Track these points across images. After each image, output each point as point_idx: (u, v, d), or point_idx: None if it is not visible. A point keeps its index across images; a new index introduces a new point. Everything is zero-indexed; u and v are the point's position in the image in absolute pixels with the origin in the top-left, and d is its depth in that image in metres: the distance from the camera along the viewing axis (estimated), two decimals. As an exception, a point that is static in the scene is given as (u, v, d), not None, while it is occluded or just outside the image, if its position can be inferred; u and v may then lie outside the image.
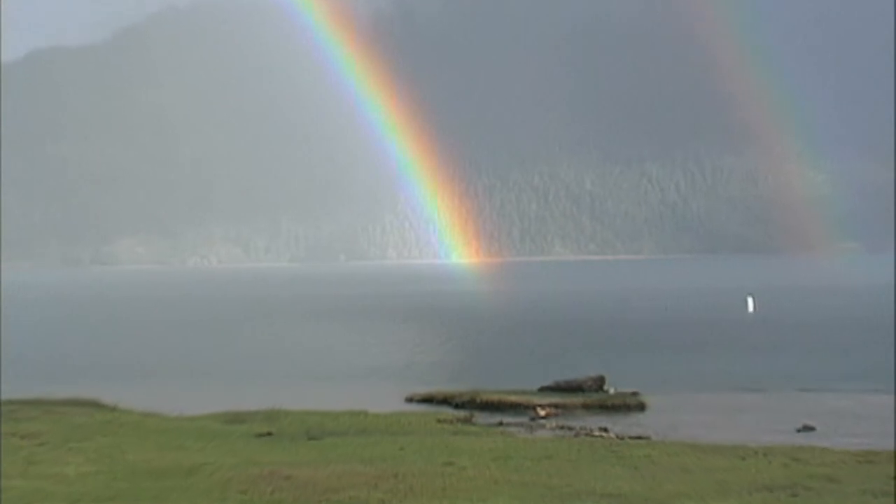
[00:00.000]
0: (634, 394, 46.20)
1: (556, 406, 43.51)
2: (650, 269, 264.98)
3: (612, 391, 46.86)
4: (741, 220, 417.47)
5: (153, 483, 23.58)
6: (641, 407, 44.04)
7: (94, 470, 25.41)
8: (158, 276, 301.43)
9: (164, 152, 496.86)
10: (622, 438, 34.43)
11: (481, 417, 41.28)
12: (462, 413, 41.78)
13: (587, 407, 43.91)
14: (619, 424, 39.36)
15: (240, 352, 73.76)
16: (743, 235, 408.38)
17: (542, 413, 42.43)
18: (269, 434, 33.21)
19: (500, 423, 39.52)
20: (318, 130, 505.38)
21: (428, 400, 46.17)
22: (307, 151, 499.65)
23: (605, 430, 37.66)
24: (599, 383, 48.01)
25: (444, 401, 45.45)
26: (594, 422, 40.34)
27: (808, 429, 37.55)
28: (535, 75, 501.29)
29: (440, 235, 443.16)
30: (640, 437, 34.75)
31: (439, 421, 38.31)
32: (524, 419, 41.13)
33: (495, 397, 44.89)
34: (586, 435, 36.15)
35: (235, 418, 37.66)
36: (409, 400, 46.71)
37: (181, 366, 64.98)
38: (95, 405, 39.72)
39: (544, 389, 47.24)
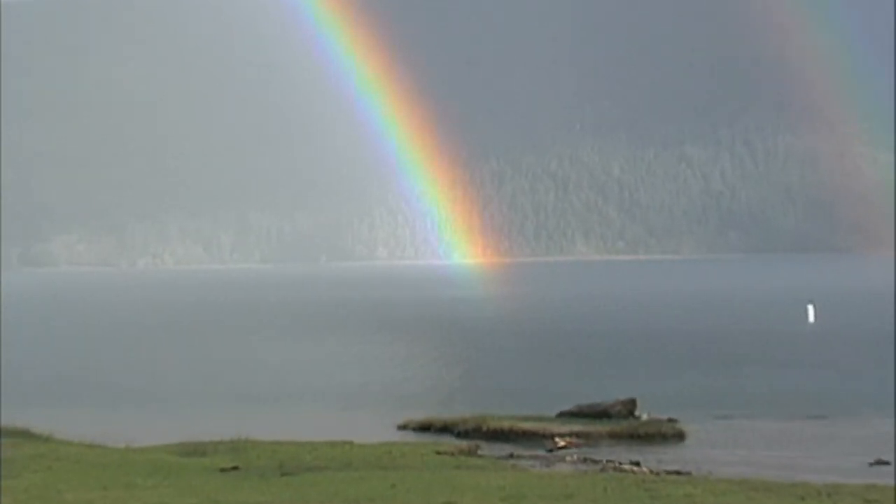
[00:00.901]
0: (671, 420, 46.48)
1: (577, 435, 43.79)
2: (691, 271, 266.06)
3: (644, 417, 47.01)
4: (800, 213, 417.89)
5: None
6: (680, 436, 44.32)
7: (24, 513, 25.21)
8: (102, 279, 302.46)
9: (112, 135, 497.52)
10: (657, 474, 34.67)
11: (489, 448, 41.79)
12: (466, 443, 42.23)
13: (615, 436, 44.14)
14: (654, 457, 39.62)
15: (198, 370, 74.28)
16: (802, 231, 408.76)
17: (562, 443, 42.68)
18: (235, 469, 33.37)
19: (511, 456, 39.98)
20: (294, 110, 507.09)
21: (425, 428, 46.72)
22: (281, 133, 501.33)
23: (637, 463, 37.81)
24: (630, 408, 48.10)
25: (444, 428, 45.98)
26: (623, 454, 40.61)
27: (881, 463, 37.65)
28: (553, 42, 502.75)
29: (439, 231, 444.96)
30: (678, 473, 35.05)
31: (438, 453, 38.74)
32: (539, 451, 41.50)
33: (505, 424, 45.25)
34: (614, 469, 36.29)
35: (194, 450, 37.82)
36: (403, 427, 47.30)
37: (128, 386, 65.21)
38: (25, 435, 39.79)
39: (564, 415, 47.52)
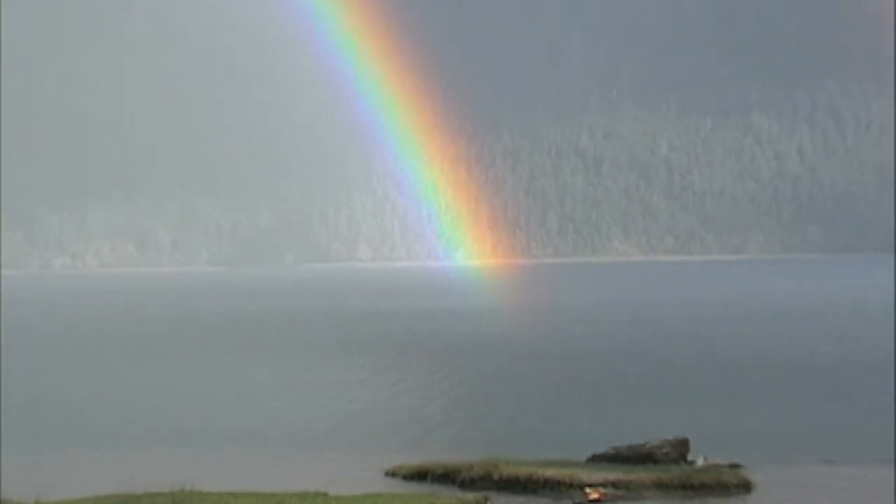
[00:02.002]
0: (734, 466, 46.76)
1: (614, 484, 43.76)
2: (758, 275, 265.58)
3: (700, 462, 47.20)
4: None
5: None
6: (746, 486, 44.48)
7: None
8: (7, 284, 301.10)
9: (23, 110, 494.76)
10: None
11: (501, 501, 41.71)
12: (472, 495, 42.33)
13: (662, 486, 44.11)
14: (713, 514, 39.97)
15: (131, 401, 74.30)
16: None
17: (594, 495, 42.77)
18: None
19: (530, 511, 40.25)
20: (257, 74, 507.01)
21: (420, 475, 46.85)
22: (238, 103, 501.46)
23: (692, 521, 37.91)
24: (681, 450, 48.12)
25: (445, 476, 46.12)
26: (673, 509, 40.83)
27: None
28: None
29: (438, 225, 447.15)
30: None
31: (437, 507, 39.02)
32: (567, 504, 41.05)
33: (522, 471, 45.30)
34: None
35: (124, 503, 37.61)
36: (392, 474, 47.61)
37: (40, 424, 65.21)
38: None
39: (597, 459, 47.75)
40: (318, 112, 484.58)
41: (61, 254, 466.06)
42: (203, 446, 56.73)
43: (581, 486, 43.47)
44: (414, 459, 48.89)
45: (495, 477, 44.89)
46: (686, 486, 43.88)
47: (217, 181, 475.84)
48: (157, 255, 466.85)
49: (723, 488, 44.09)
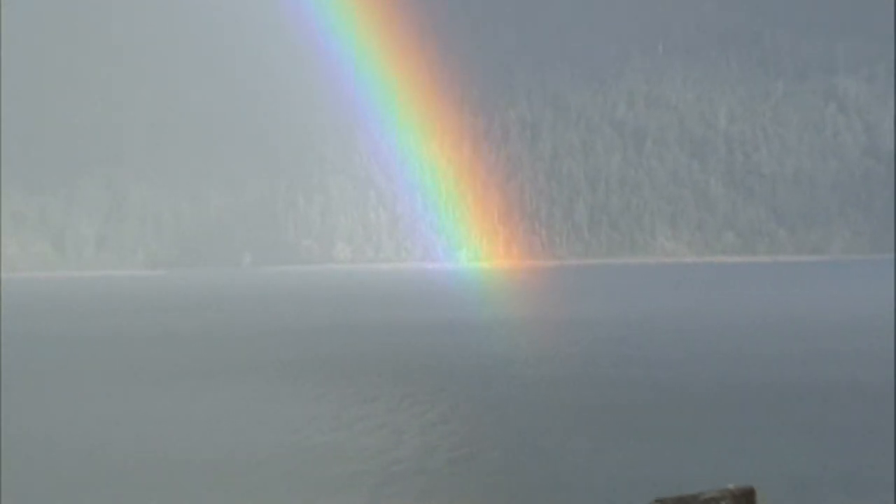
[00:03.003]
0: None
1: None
2: (844, 280, 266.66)
3: (770, 519, 46.67)
4: None
5: None
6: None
7: None
8: None
9: None
10: None
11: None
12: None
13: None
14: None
15: (43, 441, 74.24)
16: None
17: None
18: None
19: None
20: (204, 24, 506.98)
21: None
22: (183, 63, 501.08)
23: None
24: (747, 500, 47.14)
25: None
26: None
27: None
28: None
29: (436, 217, 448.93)
30: None
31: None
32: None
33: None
34: None
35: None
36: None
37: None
38: None
39: (642, 513, 47.52)
40: (285, 73, 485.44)
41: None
42: (132, 493, 57.67)
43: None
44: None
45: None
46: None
47: (155, 161, 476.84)
48: (79, 255, 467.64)
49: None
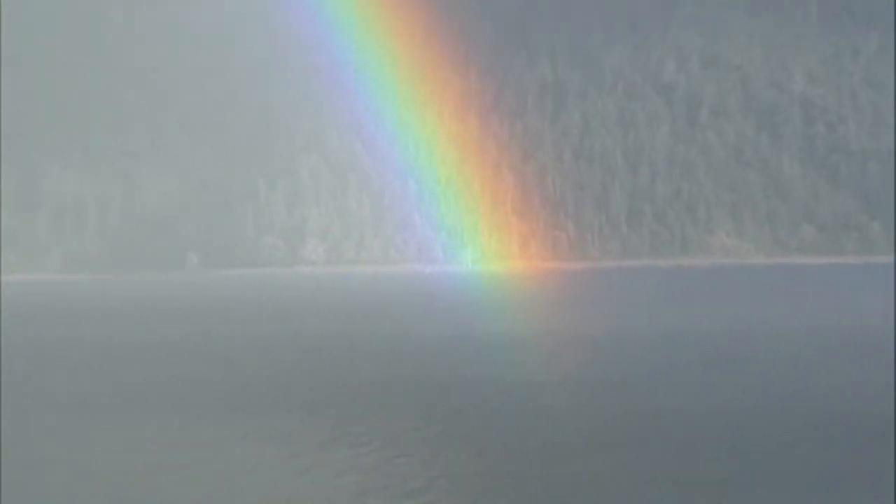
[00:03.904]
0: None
1: None
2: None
3: None
4: None
5: None
6: None
7: None
8: None
9: None
10: None
11: None
12: None
13: None
14: None
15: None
16: None
17: None
18: None
19: None
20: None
21: None
22: (116, 23, 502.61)
23: None
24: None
25: None
26: None
27: None
28: None
29: (435, 209, 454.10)
30: None
31: None
32: None
33: None
34: None
35: None
36: None
37: None
38: None
39: None
40: (241, 23, 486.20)
41: None
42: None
43: None
44: None
45: None
46: None
47: (77, 142, 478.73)
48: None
49: None
